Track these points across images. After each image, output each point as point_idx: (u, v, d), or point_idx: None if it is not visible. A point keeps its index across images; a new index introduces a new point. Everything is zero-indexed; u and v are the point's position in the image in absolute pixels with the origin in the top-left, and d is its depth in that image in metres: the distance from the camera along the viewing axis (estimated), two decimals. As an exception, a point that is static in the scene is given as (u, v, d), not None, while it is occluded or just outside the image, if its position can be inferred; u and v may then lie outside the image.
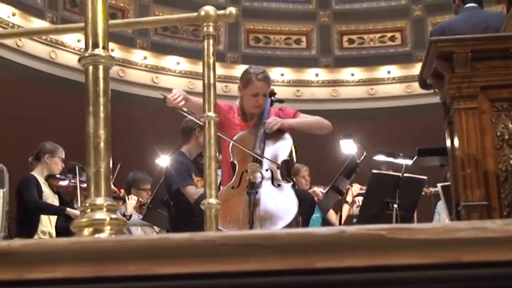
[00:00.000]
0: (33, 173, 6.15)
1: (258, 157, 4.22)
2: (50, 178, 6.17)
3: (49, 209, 6.12)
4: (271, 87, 4.70)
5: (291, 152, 4.39)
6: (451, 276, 1.06)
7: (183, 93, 4.18)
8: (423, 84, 4.63)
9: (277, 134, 4.41)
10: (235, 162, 4.29)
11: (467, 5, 4.52)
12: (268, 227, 3.93)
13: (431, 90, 4.08)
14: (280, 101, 4.79)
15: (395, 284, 1.09)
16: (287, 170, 4.36)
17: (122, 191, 6.63)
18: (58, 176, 6.21)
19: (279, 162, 4.29)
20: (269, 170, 4.22)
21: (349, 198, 7.20)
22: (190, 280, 1.09)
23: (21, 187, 6.01)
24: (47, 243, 1.14)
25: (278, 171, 4.23)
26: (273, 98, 4.67)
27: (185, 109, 4.21)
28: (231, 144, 4.32)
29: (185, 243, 1.09)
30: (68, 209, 5.99)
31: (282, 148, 4.38)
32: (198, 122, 4.19)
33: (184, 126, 5.24)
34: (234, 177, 4.24)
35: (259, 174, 4.14)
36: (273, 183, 4.18)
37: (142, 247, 1.10)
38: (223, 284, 1.09)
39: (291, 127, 4.49)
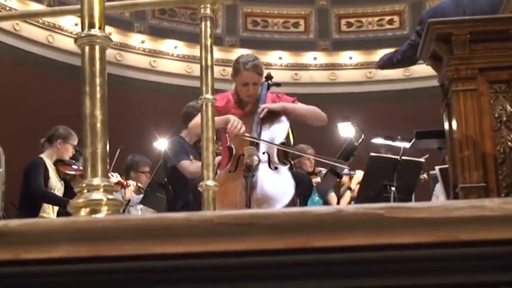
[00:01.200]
0: (43, 155, 6.12)
1: (255, 140, 4.22)
2: (58, 163, 6.14)
3: (54, 200, 6.09)
4: (269, 70, 4.67)
5: (287, 135, 4.38)
6: (449, 255, 1.06)
7: (237, 119, 4.23)
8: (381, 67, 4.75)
9: (273, 118, 4.40)
10: (232, 146, 4.30)
11: None
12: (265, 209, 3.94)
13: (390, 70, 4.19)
14: (277, 84, 4.76)
15: (393, 263, 1.09)
16: (284, 153, 4.36)
17: (128, 182, 6.60)
18: (67, 162, 6.17)
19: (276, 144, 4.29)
20: (266, 153, 4.22)
21: (352, 185, 7.20)
22: (187, 259, 1.08)
23: (29, 172, 5.98)
24: (44, 223, 1.14)
25: (275, 153, 4.24)
26: (269, 81, 4.64)
27: (247, 134, 4.24)
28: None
29: (182, 222, 1.09)
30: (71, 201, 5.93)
31: (279, 131, 4.37)
32: (273, 144, 4.25)
33: (185, 111, 5.24)
34: (231, 161, 4.24)
35: (256, 158, 4.14)
36: (269, 166, 4.18)
37: (139, 226, 1.10)
38: (220, 263, 1.09)
39: (285, 110, 4.46)
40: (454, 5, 4.21)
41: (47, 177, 5.99)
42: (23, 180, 6.05)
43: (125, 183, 6.52)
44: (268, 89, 4.61)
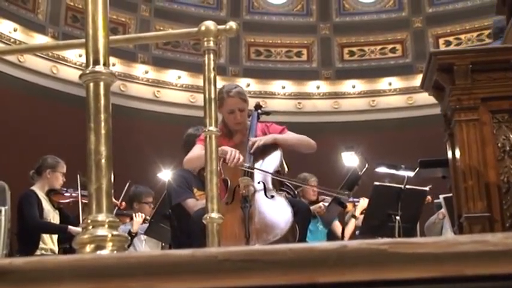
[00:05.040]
0: (34, 187, 6.10)
1: (249, 170, 4.22)
2: (51, 193, 6.13)
3: (51, 229, 6.07)
4: (258, 100, 4.69)
5: (281, 163, 4.39)
6: (453, 290, 1.06)
7: (234, 149, 4.22)
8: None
9: (265, 148, 4.41)
10: (227, 178, 4.30)
11: None
12: (265, 239, 3.93)
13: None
14: (267, 113, 4.78)
15: (398, 298, 1.09)
16: (279, 181, 4.35)
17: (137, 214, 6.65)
18: (59, 190, 6.17)
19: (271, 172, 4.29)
20: (261, 183, 4.22)
21: (357, 213, 7.18)
22: (192, 296, 1.09)
23: (22, 205, 5.96)
24: (49, 260, 1.14)
25: (270, 181, 4.23)
26: (259, 111, 4.66)
27: (246, 164, 4.25)
28: (220, 162, 4.30)
29: (187, 259, 1.09)
30: (69, 227, 5.93)
31: (272, 159, 4.37)
32: (267, 172, 4.24)
33: (185, 141, 5.24)
34: (227, 193, 4.24)
35: (251, 188, 4.15)
36: (266, 195, 4.18)
37: (144, 263, 1.10)
38: (225, 299, 1.09)
39: (275, 141, 4.47)
40: None
41: (41, 209, 5.96)
42: (17, 214, 6.03)
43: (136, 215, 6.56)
44: (258, 118, 4.62)
